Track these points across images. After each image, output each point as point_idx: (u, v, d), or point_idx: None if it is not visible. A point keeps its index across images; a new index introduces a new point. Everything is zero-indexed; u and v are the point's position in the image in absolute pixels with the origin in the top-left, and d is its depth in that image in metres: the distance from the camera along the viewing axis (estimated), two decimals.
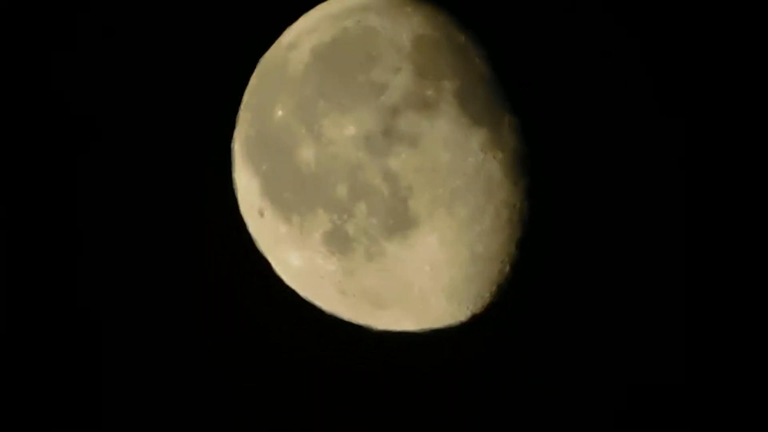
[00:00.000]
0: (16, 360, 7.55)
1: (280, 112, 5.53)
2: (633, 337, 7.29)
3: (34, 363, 7.59)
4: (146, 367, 7.62)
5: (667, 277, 7.23)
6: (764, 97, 7.05)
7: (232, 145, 6.09)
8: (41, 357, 7.59)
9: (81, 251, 7.54)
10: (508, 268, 5.62)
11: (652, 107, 6.95)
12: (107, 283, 7.54)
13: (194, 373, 7.63)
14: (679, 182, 7.12)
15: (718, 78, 7.09)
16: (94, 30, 7.46)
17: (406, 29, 5.46)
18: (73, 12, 7.43)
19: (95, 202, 7.48)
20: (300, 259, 5.69)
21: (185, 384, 7.63)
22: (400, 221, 5.26)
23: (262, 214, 5.71)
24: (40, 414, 7.55)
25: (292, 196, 5.46)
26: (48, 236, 7.53)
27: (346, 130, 5.24)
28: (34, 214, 7.49)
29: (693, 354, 7.30)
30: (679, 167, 7.11)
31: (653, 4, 7.10)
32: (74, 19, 7.43)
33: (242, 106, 6.03)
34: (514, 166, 5.33)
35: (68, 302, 7.55)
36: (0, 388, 7.47)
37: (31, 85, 7.44)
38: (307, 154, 5.35)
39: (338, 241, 5.42)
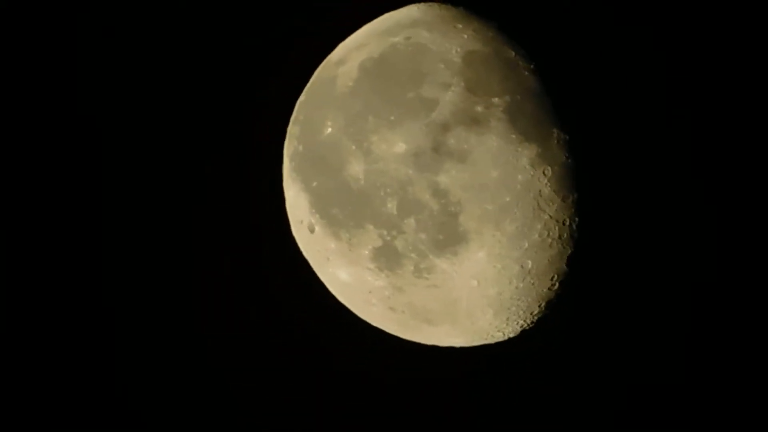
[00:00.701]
0: (51, 357, 7.62)
1: (329, 128, 5.54)
2: (683, 354, 7.21)
3: (79, 361, 7.66)
4: (200, 379, 7.67)
5: (718, 293, 7.14)
6: None
7: (282, 160, 6.11)
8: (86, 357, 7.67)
9: (132, 271, 7.61)
10: (557, 284, 5.58)
11: (702, 122, 6.88)
12: (158, 301, 7.60)
13: (245, 385, 7.67)
14: (729, 200, 7.04)
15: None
16: (154, 49, 7.52)
17: (456, 45, 5.44)
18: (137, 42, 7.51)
19: (150, 223, 7.56)
20: (349, 275, 5.69)
21: (237, 397, 7.67)
22: (449, 237, 5.25)
23: (311, 230, 5.72)
24: (63, 411, 7.62)
25: (341, 212, 5.46)
26: (92, 263, 7.60)
27: (396, 146, 5.24)
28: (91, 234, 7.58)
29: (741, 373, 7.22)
30: (729, 184, 7.02)
31: (699, 25, 7.02)
32: (134, 50, 7.51)
33: (292, 122, 6.05)
34: (563, 182, 5.29)
35: (125, 322, 7.63)
36: (8, 385, 7.51)
37: (86, 114, 7.52)
38: (356, 169, 5.35)
39: (387, 257, 5.41)
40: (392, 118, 5.26)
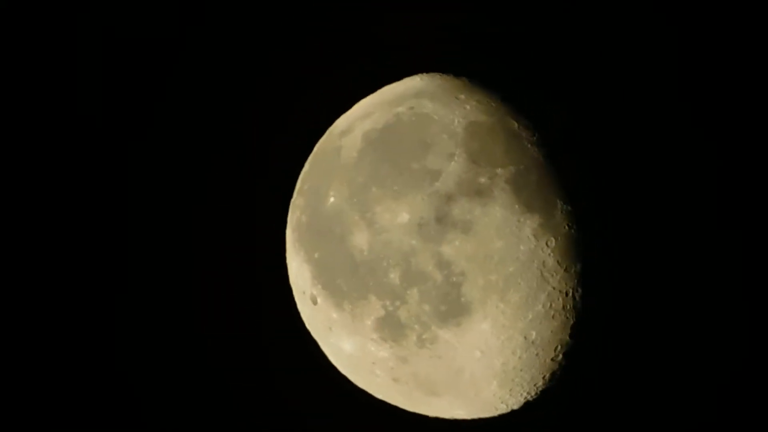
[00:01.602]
0: (61, 356, 7.55)
1: (332, 199, 5.54)
2: (693, 424, 7.17)
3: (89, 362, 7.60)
4: None
5: (728, 358, 7.12)
6: None
7: (286, 231, 6.11)
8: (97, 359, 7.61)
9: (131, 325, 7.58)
10: (561, 356, 5.55)
11: (705, 186, 6.91)
12: (159, 368, 7.56)
13: None
14: (740, 265, 7.05)
15: None
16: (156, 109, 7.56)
17: (460, 115, 5.47)
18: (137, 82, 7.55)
19: (152, 291, 7.53)
20: (352, 346, 5.66)
21: None
22: (452, 307, 5.23)
23: (314, 302, 5.69)
24: (63, 411, 7.53)
25: (345, 282, 5.45)
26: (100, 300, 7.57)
27: (400, 216, 5.24)
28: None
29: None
30: (741, 249, 7.04)
31: (699, 79, 7.09)
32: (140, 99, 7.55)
33: (296, 193, 6.06)
34: (566, 253, 5.29)
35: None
36: (8, 385, 7.43)
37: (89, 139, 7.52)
38: (360, 240, 5.35)
39: (390, 328, 5.39)
40: (396, 188, 5.27)
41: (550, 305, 5.30)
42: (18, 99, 7.46)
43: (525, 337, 5.35)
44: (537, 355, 5.46)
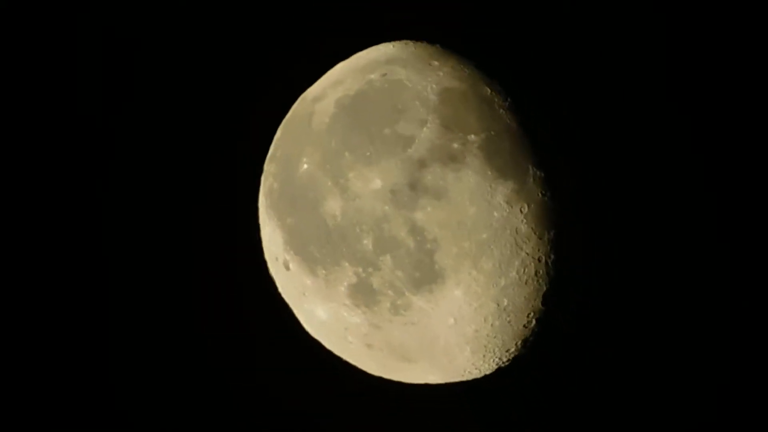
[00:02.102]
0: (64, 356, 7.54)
1: (305, 165, 5.53)
2: (661, 391, 7.21)
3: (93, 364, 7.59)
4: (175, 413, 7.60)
5: (704, 326, 7.17)
6: None
7: (258, 197, 6.10)
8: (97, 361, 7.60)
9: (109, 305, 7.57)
10: (534, 322, 5.56)
11: (683, 158, 6.94)
12: (132, 342, 7.56)
13: (220, 429, 7.59)
14: (716, 236, 7.10)
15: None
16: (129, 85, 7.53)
17: (432, 82, 5.47)
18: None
19: (127, 264, 7.52)
20: (325, 312, 5.66)
21: None
22: (425, 274, 5.23)
23: (287, 267, 5.68)
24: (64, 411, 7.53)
25: (318, 249, 5.44)
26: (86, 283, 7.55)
27: (372, 183, 5.24)
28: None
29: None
30: (715, 218, 7.08)
31: (677, 57, 7.10)
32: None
33: (268, 159, 6.04)
34: (540, 220, 5.31)
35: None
36: (8, 385, 7.42)
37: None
38: (332, 207, 5.34)
39: (363, 294, 5.39)
40: (368, 154, 5.26)
41: (524, 272, 5.32)
42: (17, 99, 7.42)
43: (498, 304, 5.36)
44: (509, 321, 5.48)
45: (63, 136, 7.53)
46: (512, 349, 5.71)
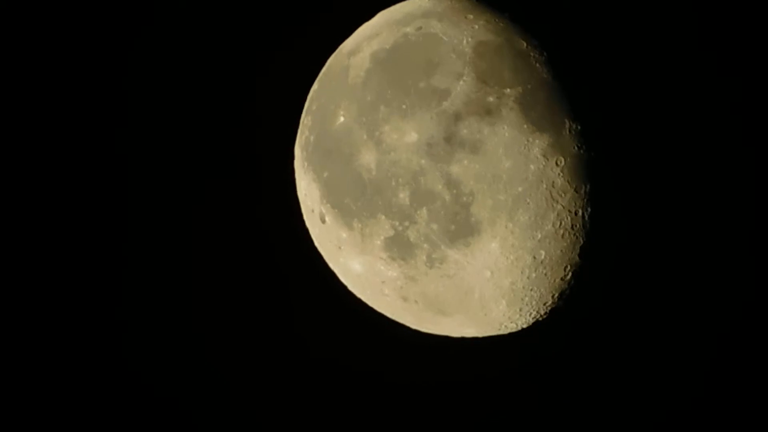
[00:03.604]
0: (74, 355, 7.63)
1: (341, 118, 5.56)
2: (699, 349, 7.19)
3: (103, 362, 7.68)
4: (211, 371, 7.68)
5: (734, 286, 7.12)
6: None
7: (294, 150, 6.13)
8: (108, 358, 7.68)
9: (141, 262, 7.64)
10: (570, 275, 5.56)
11: (718, 111, 6.86)
12: (169, 293, 7.62)
13: (257, 376, 7.66)
14: (748, 189, 7.02)
15: None
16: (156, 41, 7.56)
17: (468, 35, 5.44)
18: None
19: (163, 216, 7.59)
20: (361, 265, 5.70)
21: (249, 388, 7.67)
22: (461, 227, 5.25)
23: (323, 220, 5.73)
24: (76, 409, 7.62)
25: (353, 201, 5.47)
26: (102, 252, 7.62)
27: (408, 136, 5.24)
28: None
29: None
30: (749, 171, 7.00)
31: (715, 13, 7.02)
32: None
33: (304, 112, 6.07)
34: (576, 173, 5.29)
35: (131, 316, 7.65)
36: (8, 385, 7.51)
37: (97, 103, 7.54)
38: (368, 159, 5.36)
39: (399, 248, 5.42)
40: (404, 107, 5.27)
41: (560, 225, 5.31)
42: (17, 99, 7.46)
43: (534, 257, 5.37)
44: (546, 274, 5.48)
45: (88, 130, 7.59)
46: (549, 303, 5.72)
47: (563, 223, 5.32)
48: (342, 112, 5.55)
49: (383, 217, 5.36)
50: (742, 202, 7.05)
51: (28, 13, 7.32)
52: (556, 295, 5.66)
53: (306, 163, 5.85)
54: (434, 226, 5.26)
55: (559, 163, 5.23)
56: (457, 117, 5.18)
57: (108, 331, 7.66)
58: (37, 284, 7.56)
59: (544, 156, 5.20)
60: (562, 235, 5.36)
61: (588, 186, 5.34)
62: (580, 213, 5.36)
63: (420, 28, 5.56)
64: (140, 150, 7.56)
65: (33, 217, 7.48)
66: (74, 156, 7.51)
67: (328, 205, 5.64)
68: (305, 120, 6.00)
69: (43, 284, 7.57)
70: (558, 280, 5.56)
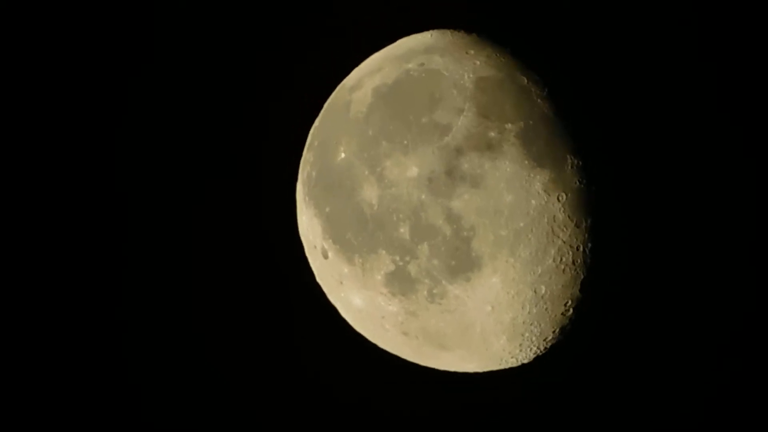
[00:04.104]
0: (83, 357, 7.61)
1: (342, 153, 5.56)
2: (700, 384, 7.18)
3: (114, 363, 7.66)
4: (210, 406, 7.65)
5: (738, 318, 7.11)
6: None
7: (296, 185, 6.14)
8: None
9: (141, 300, 7.63)
10: (570, 310, 5.55)
11: (718, 147, 6.88)
12: (170, 330, 7.61)
13: (256, 412, 7.64)
14: (749, 227, 7.03)
15: None
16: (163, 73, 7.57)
17: (469, 70, 5.46)
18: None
19: (166, 253, 7.58)
20: (362, 300, 5.69)
21: (248, 423, 7.64)
22: (462, 262, 5.24)
23: (325, 255, 5.72)
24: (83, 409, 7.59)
25: (355, 237, 5.46)
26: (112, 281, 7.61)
27: (409, 170, 5.25)
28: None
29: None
30: (750, 206, 7.01)
31: (712, 50, 7.05)
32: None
33: (306, 148, 6.08)
34: (577, 208, 5.29)
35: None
36: (7, 385, 7.48)
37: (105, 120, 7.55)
38: (369, 194, 5.36)
39: (400, 282, 5.41)
40: (405, 142, 5.28)
41: (561, 260, 5.31)
42: (18, 99, 7.46)
43: (535, 292, 5.36)
44: (546, 309, 5.48)
45: (96, 134, 7.59)
46: (549, 338, 5.71)
47: (564, 258, 5.32)
48: (343, 148, 5.56)
49: (384, 252, 5.36)
50: (744, 239, 7.04)
51: (31, 13, 7.31)
52: (557, 330, 5.65)
53: (308, 198, 5.85)
54: (435, 261, 5.26)
55: (560, 198, 5.23)
56: (459, 152, 5.19)
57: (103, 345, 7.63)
58: (38, 284, 7.52)
59: (545, 191, 5.20)
60: (563, 270, 5.35)
61: (589, 221, 5.34)
62: (581, 248, 5.36)
63: (422, 63, 5.58)
64: (139, 181, 7.56)
65: (34, 219, 7.45)
66: (73, 157, 7.47)
67: (330, 240, 5.64)
68: (307, 155, 6.01)
69: (44, 284, 7.52)
70: (559, 315, 5.55)
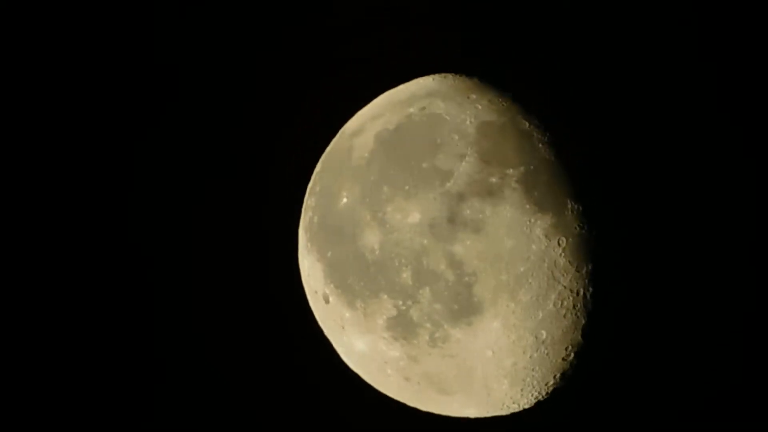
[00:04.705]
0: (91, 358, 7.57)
1: (344, 199, 5.56)
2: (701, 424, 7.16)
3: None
4: None
5: (741, 359, 7.10)
6: None
7: (298, 230, 6.14)
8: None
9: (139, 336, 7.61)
10: (572, 355, 5.55)
11: (718, 191, 6.90)
12: (172, 373, 7.59)
13: None
14: (751, 263, 7.04)
15: None
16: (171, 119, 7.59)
17: (471, 115, 5.49)
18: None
19: (165, 295, 7.57)
20: (364, 344, 5.68)
21: None
22: (464, 307, 5.25)
23: (326, 300, 5.72)
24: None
25: (357, 281, 5.47)
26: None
27: (411, 216, 5.26)
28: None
29: None
30: (755, 255, 7.03)
31: (710, 86, 7.08)
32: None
33: (308, 193, 6.09)
34: (577, 253, 5.30)
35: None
36: (7, 385, 7.43)
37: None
38: (371, 240, 5.37)
39: (402, 327, 5.41)
40: (407, 188, 5.29)
41: (561, 304, 5.31)
42: (18, 100, 7.45)
43: (536, 337, 5.36)
44: (548, 354, 5.47)
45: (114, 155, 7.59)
46: (551, 383, 5.70)
47: (565, 302, 5.32)
48: (345, 193, 5.57)
49: (386, 296, 5.36)
50: (751, 279, 7.05)
51: (29, 13, 7.31)
52: (558, 374, 5.65)
53: (309, 244, 5.86)
54: (437, 306, 5.27)
55: (561, 243, 5.24)
56: (460, 197, 5.20)
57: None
58: (39, 284, 7.49)
59: (546, 236, 5.21)
60: (564, 315, 5.36)
61: (590, 266, 5.34)
62: (582, 292, 5.36)
63: (424, 108, 5.60)
64: (145, 225, 7.56)
65: (35, 220, 7.43)
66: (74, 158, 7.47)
67: (332, 285, 5.64)
68: (309, 201, 6.02)
69: (45, 284, 7.49)
70: (560, 359, 5.55)
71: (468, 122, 5.44)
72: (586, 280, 5.36)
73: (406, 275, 5.27)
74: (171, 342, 7.59)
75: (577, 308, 5.38)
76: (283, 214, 6.49)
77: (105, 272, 7.62)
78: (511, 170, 5.27)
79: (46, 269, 7.56)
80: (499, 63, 6.22)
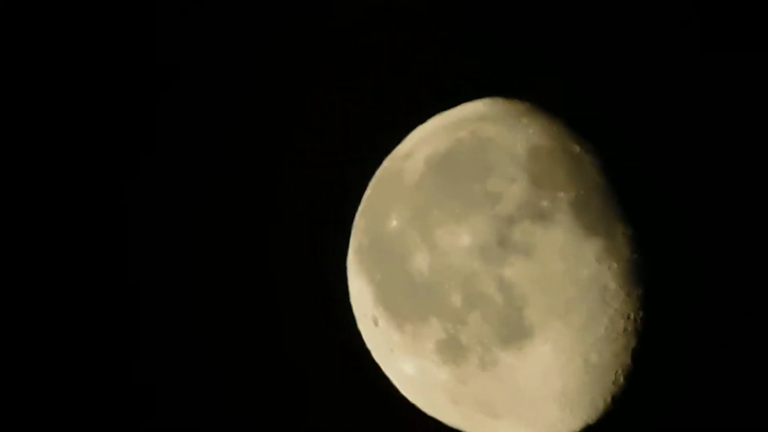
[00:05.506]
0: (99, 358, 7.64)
1: (394, 221, 5.58)
2: None
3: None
4: None
5: None
6: None
7: (347, 253, 6.17)
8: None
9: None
10: (622, 379, 5.52)
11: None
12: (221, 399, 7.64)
13: None
14: None
15: None
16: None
17: (522, 139, 5.49)
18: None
19: (216, 316, 7.62)
20: (413, 368, 5.69)
21: None
22: (514, 330, 5.24)
23: (376, 323, 5.74)
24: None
25: (406, 304, 5.48)
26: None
27: (461, 239, 5.26)
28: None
29: None
30: None
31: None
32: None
33: (358, 215, 6.12)
34: (628, 277, 5.27)
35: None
36: (7, 385, 7.50)
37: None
38: (420, 263, 5.38)
39: (451, 350, 5.41)
40: (457, 211, 5.30)
41: (612, 328, 5.29)
42: (17, 100, 7.52)
43: (586, 360, 5.34)
44: (598, 378, 5.45)
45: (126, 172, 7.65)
46: (601, 406, 5.67)
47: (615, 326, 5.31)
48: (395, 215, 5.59)
49: (435, 319, 5.37)
50: None
51: (31, 13, 7.38)
52: (608, 398, 5.62)
53: (358, 267, 5.89)
54: (487, 329, 5.27)
55: (611, 267, 5.22)
56: (511, 221, 5.20)
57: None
58: (39, 284, 7.54)
59: (596, 260, 5.19)
60: (615, 339, 5.34)
61: (641, 290, 5.31)
62: (633, 316, 5.34)
63: (474, 132, 5.60)
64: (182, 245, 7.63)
65: (36, 221, 7.49)
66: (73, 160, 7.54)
67: (381, 307, 5.66)
68: (358, 223, 6.05)
69: (45, 284, 7.55)
70: (610, 383, 5.52)
71: (519, 146, 5.45)
72: (637, 304, 5.34)
73: (455, 298, 5.28)
74: (223, 363, 7.66)
75: (627, 332, 5.36)
76: (335, 237, 6.51)
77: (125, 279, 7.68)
78: (562, 194, 5.26)
79: (47, 269, 7.61)
80: (550, 86, 6.21)
